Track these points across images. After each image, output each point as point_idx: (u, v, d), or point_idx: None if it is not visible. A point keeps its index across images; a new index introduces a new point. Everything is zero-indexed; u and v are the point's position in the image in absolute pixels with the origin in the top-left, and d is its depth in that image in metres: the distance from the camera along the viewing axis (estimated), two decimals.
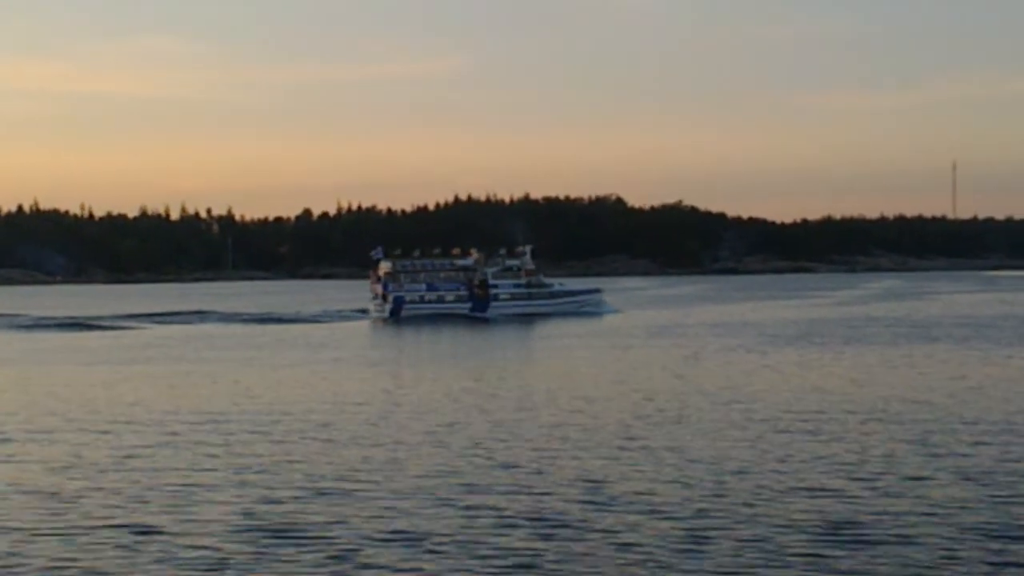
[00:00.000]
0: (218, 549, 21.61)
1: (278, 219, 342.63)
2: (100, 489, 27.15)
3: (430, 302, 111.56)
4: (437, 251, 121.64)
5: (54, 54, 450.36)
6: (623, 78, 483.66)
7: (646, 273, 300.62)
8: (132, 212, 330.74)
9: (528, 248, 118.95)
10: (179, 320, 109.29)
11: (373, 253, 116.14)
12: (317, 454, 31.62)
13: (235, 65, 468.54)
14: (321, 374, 55.38)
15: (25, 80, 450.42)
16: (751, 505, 24.50)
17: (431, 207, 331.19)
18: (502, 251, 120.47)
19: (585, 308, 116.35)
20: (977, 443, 31.86)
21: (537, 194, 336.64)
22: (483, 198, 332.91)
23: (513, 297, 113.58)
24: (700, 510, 24.12)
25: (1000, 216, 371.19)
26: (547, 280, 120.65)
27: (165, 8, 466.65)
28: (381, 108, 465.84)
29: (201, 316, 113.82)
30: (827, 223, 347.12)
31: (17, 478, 28.73)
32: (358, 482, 27.57)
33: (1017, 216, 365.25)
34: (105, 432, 36.23)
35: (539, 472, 28.51)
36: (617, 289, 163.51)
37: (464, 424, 36.99)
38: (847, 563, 20.21)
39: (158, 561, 20.93)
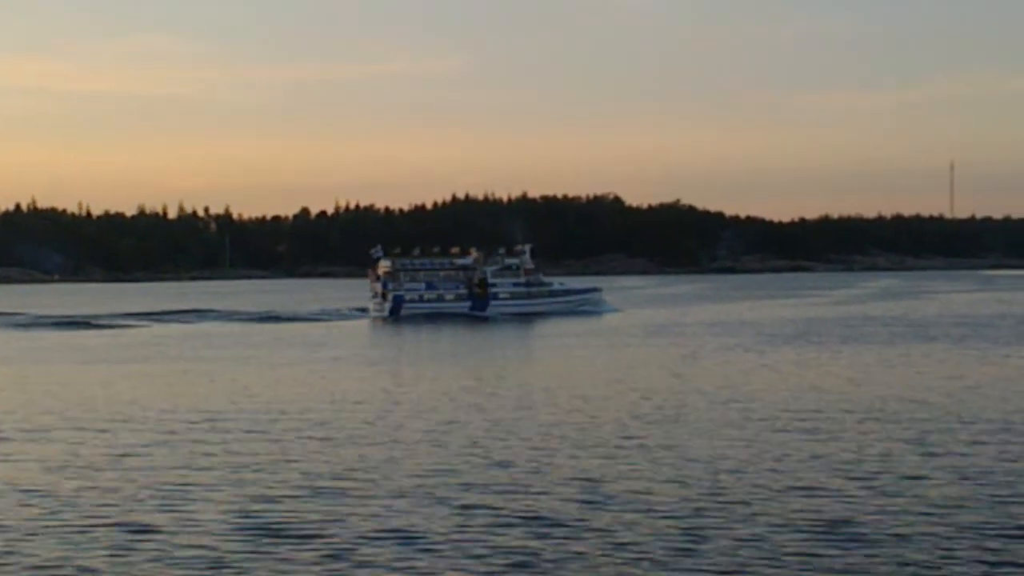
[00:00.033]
0: (215, 548, 21.58)
1: (276, 218, 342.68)
2: (97, 488, 27.13)
3: (429, 301, 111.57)
4: (437, 250, 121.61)
5: (53, 53, 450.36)
6: (621, 77, 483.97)
7: (644, 272, 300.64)
8: (130, 211, 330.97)
9: (527, 247, 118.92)
10: (177, 319, 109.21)
11: (373, 252, 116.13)
12: (314, 453, 31.60)
13: (233, 64, 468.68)
14: (320, 373, 55.35)
15: (23, 78, 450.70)
16: (748, 504, 24.49)
17: (429, 206, 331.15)
18: (501, 250, 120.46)
19: (584, 307, 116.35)
20: (974, 442, 31.87)
21: (535, 193, 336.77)
22: (481, 197, 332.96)
23: (512, 296, 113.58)
24: (697, 509, 24.11)
25: (998, 215, 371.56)
26: (546, 279, 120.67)
27: (163, 7, 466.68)
28: (379, 107, 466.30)
29: (199, 315, 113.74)
30: (825, 222, 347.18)
31: (14, 477, 28.70)
32: (355, 481, 27.55)
33: (1015, 215, 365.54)
34: (102, 431, 36.20)
35: (536, 471, 28.50)
36: (615, 288, 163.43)
37: (462, 423, 36.98)
38: (844, 562, 20.20)
39: (154, 560, 20.91)
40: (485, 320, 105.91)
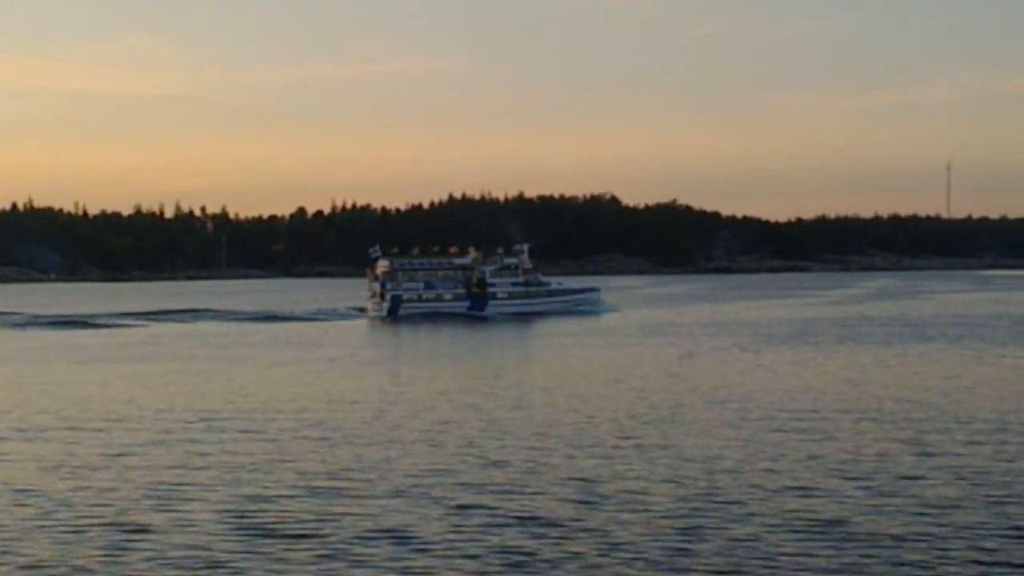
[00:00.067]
0: (210, 548, 21.55)
1: (272, 217, 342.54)
2: (92, 487, 27.09)
3: (428, 301, 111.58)
4: (435, 250, 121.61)
5: (49, 53, 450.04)
6: (618, 78, 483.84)
7: (640, 272, 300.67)
8: (126, 210, 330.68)
9: (526, 247, 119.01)
10: (173, 318, 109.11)
11: (372, 252, 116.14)
12: (310, 453, 31.57)
13: (230, 64, 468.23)
14: (317, 372, 55.32)
15: (20, 79, 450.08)
16: (744, 504, 24.49)
17: (425, 206, 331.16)
18: (500, 250, 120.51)
19: (582, 307, 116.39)
20: (971, 442, 31.87)
21: (532, 193, 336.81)
22: (478, 197, 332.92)
23: (511, 296, 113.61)
24: (693, 509, 24.10)
25: (994, 216, 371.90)
26: (545, 279, 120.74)
27: (161, 7, 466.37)
28: (375, 108, 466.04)
29: (196, 314, 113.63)
30: (821, 222, 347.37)
31: (9, 476, 28.66)
32: (351, 480, 27.52)
33: (1011, 216, 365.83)
34: (98, 430, 36.16)
35: (532, 471, 28.48)
36: (611, 288, 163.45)
37: (459, 423, 36.96)
38: (840, 562, 20.19)
39: (149, 559, 20.88)
40: (483, 320, 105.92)
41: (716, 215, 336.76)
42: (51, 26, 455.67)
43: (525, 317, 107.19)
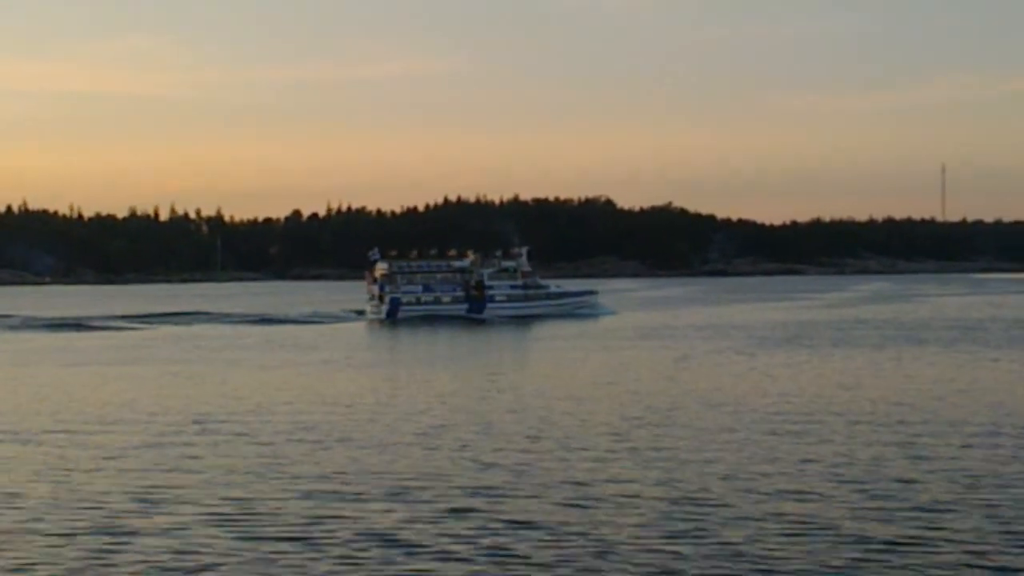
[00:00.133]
0: (201, 551, 21.48)
1: (267, 220, 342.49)
2: (84, 490, 27.01)
3: (426, 303, 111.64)
4: (433, 252, 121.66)
5: (47, 54, 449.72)
6: (613, 80, 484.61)
7: (635, 275, 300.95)
8: (121, 212, 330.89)
9: (524, 249, 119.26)
10: (171, 321, 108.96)
11: (370, 254, 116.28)
12: (304, 456, 31.50)
13: (230, 64, 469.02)
14: (313, 375, 55.26)
15: (16, 80, 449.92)
16: (738, 507, 24.45)
17: (421, 208, 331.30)
18: (498, 252, 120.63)
19: (581, 310, 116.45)
20: (965, 446, 31.87)
21: (527, 195, 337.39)
22: (473, 199, 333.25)
23: (509, 298, 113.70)
24: (687, 512, 24.06)
25: (989, 219, 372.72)
26: (543, 281, 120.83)
27: (161, 7, 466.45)
28: (370, 110, 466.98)
29: (192, 317, 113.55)
30: (816, 225, 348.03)
31: (0, 480, 28.57)
32: (343, 484, 27.46)
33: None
34: (91, 433, 36.07)
35: (526, 474, 28.44)
36: (606, 291, 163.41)
37: (454, 425, 36.91)
38: (834, 565, 20.16)
39: (140, 563, 20.81)
40: (482, 322, 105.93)
41: (711, 218, 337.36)
42: (47, 27, 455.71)
43: (523, 320, 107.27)
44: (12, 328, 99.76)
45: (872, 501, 24.97)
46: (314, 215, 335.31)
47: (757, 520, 23.33)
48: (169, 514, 24.48)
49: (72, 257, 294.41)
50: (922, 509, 24.16)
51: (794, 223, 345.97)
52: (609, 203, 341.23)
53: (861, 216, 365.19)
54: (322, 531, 22.87)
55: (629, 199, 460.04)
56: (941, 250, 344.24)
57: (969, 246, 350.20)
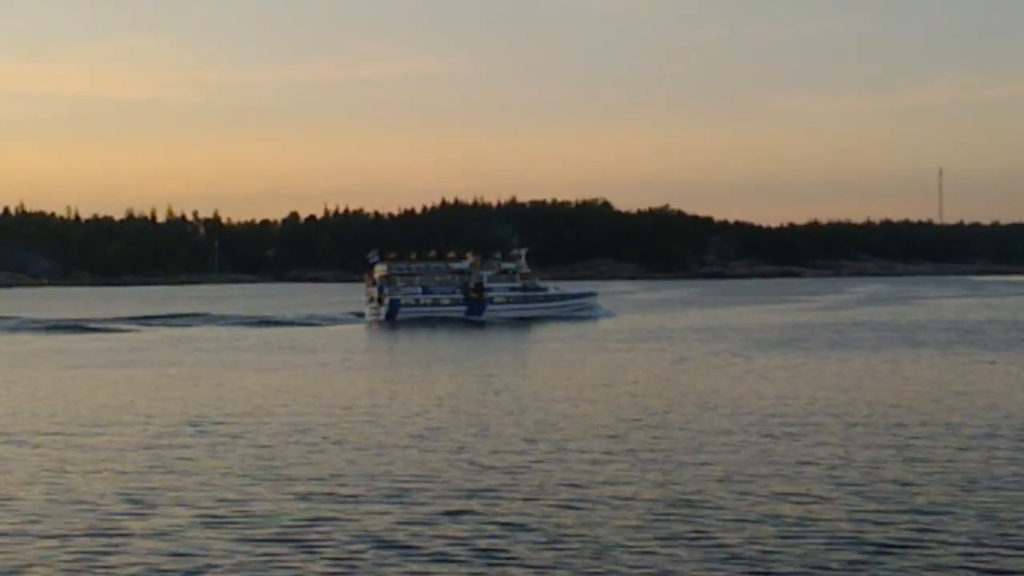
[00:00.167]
0: (196, 554, 21.47)
1: (265, 222, 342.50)
2: (79, 492, 26.98)
3: (425, 305, 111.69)
4: (432, 255, 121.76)
5: (44, 55, 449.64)
6: (611, 81, 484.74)
7: (632, 277, 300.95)
8: (118, 214, 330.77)
9: (523, 251, 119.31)
10: (168, 323, 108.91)
11: (369, 257, 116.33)
12: (300, 458, 31.48)
13: (230, 65, 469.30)
14: (312, 377, 55.22)
15: (14, 81, 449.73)
16: (734, 509, 24.45)
17: (418, 210, 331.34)
18: (497, 254, 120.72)
19: (580, 312, 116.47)
20: (962, 448, 31.87)
21: (524, 198, 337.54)
22: (470, 202, 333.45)
23: (508, 300, 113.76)
24: (684, 515, 24.06)
25: (986, 221, 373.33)
26: (542, 283, 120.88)
27: (161, 7, 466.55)
28: (368, 112, 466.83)
29: (190, 319, 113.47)
30: (813, 227, 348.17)
31: None
32: (340, 486, 27.44)
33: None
34: (88, 435, 36.04)
35: (522, 476, 28.42)
36: (604, 293, 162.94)
37: (451, 427, 36.89)
38: (831, 567, 20.17)
39: (135, 564, 20.79)
40: (481, 324, 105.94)
41: (708, 220, 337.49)
42: (44, 27, 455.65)
43: (522, 322, 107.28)
44: (10, 330, 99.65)
45: (869, 503, 24.97)
46: (311, 217, 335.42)
47: (754, 522, 23.33)
48: (165, 516, 24.46)
49: (69, 259, 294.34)
50: (919, 512, 24.16)
51: (791, 225, 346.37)
52: (606, 205, 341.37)
53: (858, 218, 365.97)
54: (319, 533, 22.87)
55: (626, 201, 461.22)
56: (938, 252, 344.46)
57: (966, 248, 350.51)
